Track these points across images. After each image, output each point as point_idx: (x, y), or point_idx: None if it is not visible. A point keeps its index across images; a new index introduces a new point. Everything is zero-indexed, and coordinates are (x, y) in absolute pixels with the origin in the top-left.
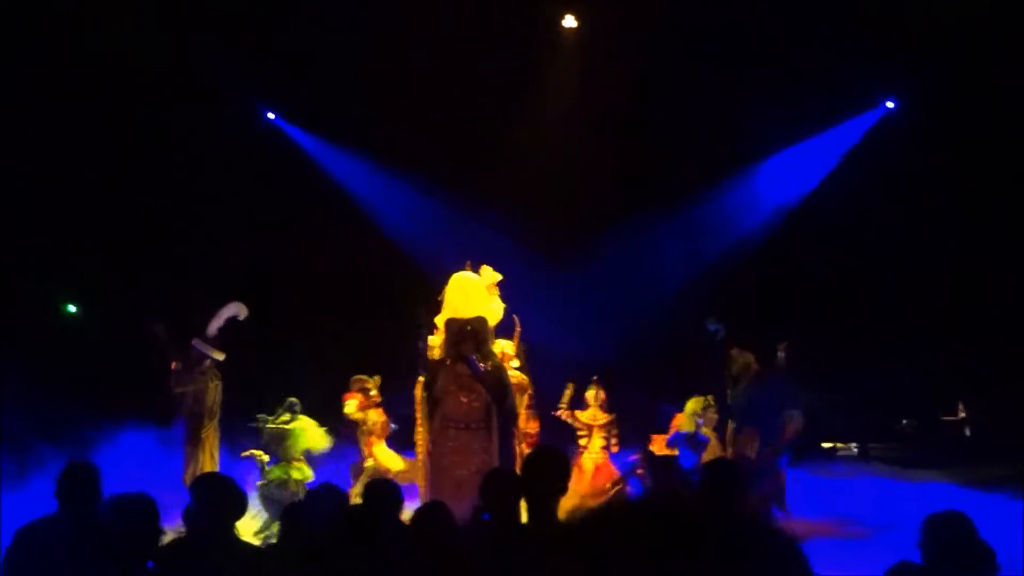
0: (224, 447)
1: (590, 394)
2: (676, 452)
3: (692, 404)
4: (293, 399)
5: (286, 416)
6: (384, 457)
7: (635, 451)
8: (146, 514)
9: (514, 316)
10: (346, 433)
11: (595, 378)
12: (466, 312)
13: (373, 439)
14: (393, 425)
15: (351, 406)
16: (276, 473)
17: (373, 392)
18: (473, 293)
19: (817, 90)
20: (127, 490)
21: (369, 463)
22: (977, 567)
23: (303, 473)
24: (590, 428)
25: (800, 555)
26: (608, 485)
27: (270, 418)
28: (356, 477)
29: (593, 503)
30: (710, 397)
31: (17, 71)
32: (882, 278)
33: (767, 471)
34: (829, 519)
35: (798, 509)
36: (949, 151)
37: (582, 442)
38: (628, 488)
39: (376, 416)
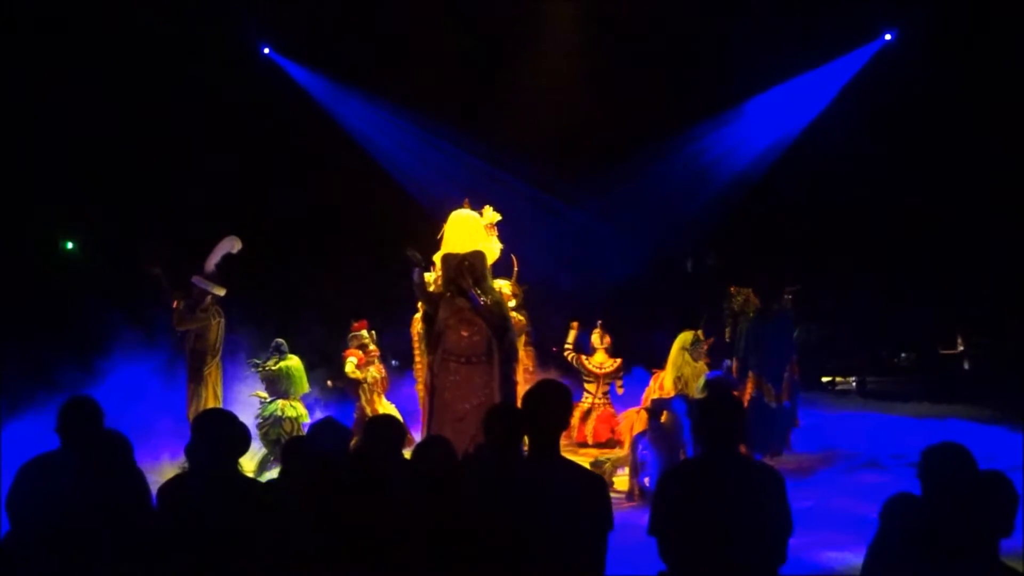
0: (227, 383)
1: (595, 338)
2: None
3: (682, 338)
4: (280, 340)
5: (275, 359)
6: (384, 410)
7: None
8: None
9: (512, 256)
10: (341, 386)
11: (600, 322)
12: (464, 249)
13: (375, 396)
14: (394, 362)
15: (351, 365)
16: (270, 409)
17: (372, 347)
18: (471, 230)
19: (814, 22)
20: (127, 426)
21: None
22: (976, 498)
23: (297, 411)
24: (597, 376)
25: (781, 484)
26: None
27: (259, 361)
28: (359, 432)
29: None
30: (699, 332)
31: (16, 10)
32: (880, 213)
33: (775, 410)
34: (828, 452)
35: (797, 443)
36: (950, 86)
37: (589, 387)
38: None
39: (376, 372)
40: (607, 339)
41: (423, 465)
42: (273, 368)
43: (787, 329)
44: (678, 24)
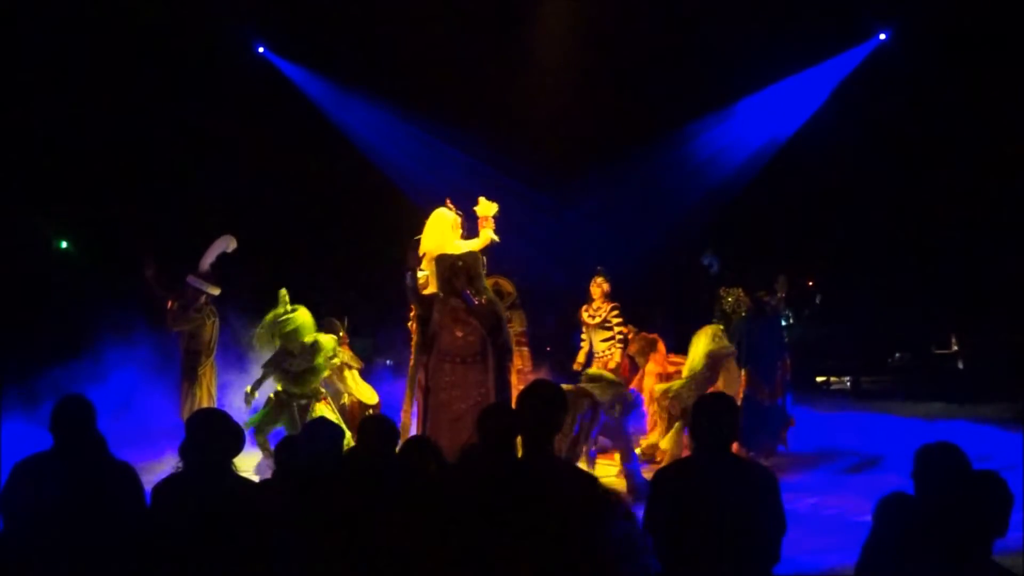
0: (220, 384)
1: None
2: None
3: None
4: (283, 290)
5: (281, 308)
6: (359, 391)
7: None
8: None
9: (483, 257)
10: None
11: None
12: (436, 249)
13: (347, 372)
14: (388, 361)
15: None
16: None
17: (341, 333)
18: (440, 229)
19: (808, 22)
20: (122, 426)
21: (345, 399)
22: (969, 498)
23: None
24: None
25: (775, 483)
26: None
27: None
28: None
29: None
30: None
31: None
32: (874, 213)
33: (771, 408)
34: (822, 452)
35: (792, 443)
36: (945, 85)
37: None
38: None
39: (344, 355)
40: (606, 286)
41: (411, 465)
42: (281, 318)
43: (779, 327)
44: (671, 24)
